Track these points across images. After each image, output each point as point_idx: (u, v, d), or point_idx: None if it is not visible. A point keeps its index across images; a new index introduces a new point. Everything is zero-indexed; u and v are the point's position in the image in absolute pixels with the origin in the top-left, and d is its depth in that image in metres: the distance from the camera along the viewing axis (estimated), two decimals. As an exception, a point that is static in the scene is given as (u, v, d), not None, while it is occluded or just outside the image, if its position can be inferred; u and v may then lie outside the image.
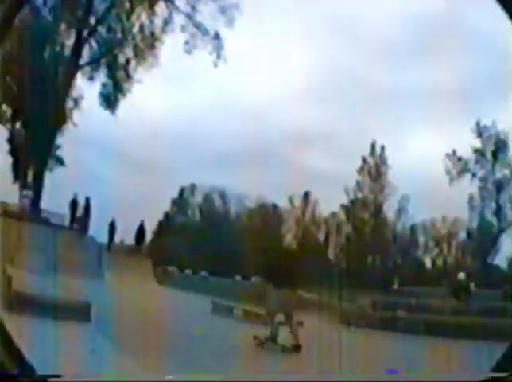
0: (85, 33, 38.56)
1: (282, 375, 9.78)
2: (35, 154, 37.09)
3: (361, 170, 51.41)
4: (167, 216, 56.13)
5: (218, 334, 19.10)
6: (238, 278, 41.22)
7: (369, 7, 40.19)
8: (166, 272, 39.98)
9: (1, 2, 4.59)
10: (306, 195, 56.46)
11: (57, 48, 38.99)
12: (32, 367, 4.51)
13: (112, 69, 39.90)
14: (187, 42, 38.90)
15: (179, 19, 39.43)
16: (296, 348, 16.75)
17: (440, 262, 56.08)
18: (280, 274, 17.55)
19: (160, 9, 39.65)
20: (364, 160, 51.19)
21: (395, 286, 39.76)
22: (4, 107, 38.37)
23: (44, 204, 36.57)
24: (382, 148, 50.81)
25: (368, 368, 12.95)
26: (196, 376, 8.11)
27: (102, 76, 40.05)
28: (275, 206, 57.76)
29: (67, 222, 35.38)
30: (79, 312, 14.42)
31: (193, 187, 59.08)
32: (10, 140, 38.25)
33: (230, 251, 50.47)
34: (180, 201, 59.41)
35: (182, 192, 59.06)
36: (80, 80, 39.49)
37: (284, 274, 17.55)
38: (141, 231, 37.26)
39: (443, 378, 5.77)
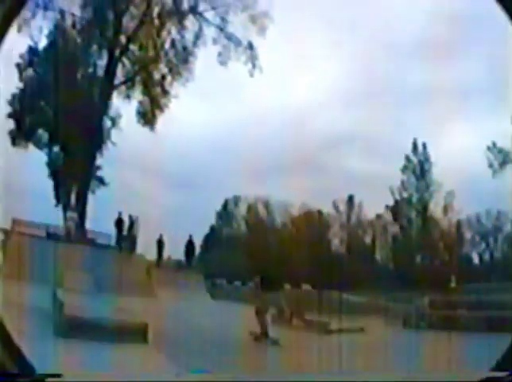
0: (117, 52, 38.59)
1: (282, 375, 9.46)
2: (76, 176, 37.06)
3: (405, 169, 50.75)
4: (213, 229, 55.99)
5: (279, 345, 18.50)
6: (286, 286, 40.55)
7: (398, 8, 39.77)
8: (215, 285, 39.56)
9: (1, 2, 4.46)
10: (350, 199, 56.02)
11: (90, 70, 39.12)
12: (33, 367, 4.49)
13: (148, 86, 39.73)
14: (220, 54, 38.79)
15: (210, 31, 39.41)
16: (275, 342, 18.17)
17: (486, 257, 55.48)
18: (266, 280, 19.20)
19: (190, 22, 39.55)
20: (407, 158, 50.55)
21: (452, 284, 38.79)
22: (40, 131, 38.36)
23: (90, 224, 36.63)
24: (424, 145, 50.24)
25: (437, 368, 12.38)
26: (196, 376, 7.85)
27: (138, 94, 40.06)
28: (320, 212, 57.50)
29: (113, 241, 35.18)
30: (136, 333, 13.95)
31: (237, 199, 58.93)
32: (49, 164, 38.24)
33: (277, 261, 50.12)
34: (225, 214, 59.36)
35: (226, 204, 58.92)
36: (117, 99, 39.61)
37: (269, 280, 19.42)
38: (190, 246, 36.91)
39: (443, 378, 5.54)
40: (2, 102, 36.81)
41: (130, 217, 35.44)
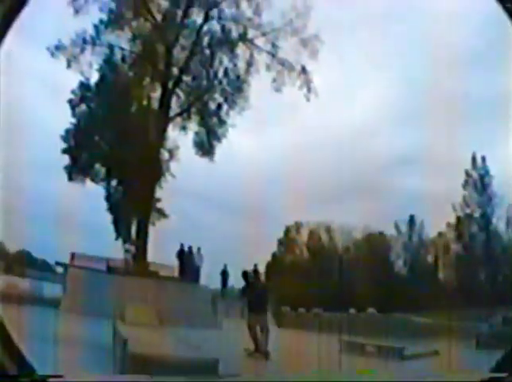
0: (170, 84, 38.58)
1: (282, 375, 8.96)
2: (135, 209, 37.05)
3: (466, 184, 49.92)
4: (275, 256, 55.74)
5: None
6: (352, 311, 39.77)
7: (448, 23, 39.10)
8: (280, 313, 38.98)
9: (1, 2, 4.48)
10: (411, 219, 55.32)
11: (144, 103, 39.21)
12: (32, 367, 4.51)
13: (204, 117, 39.72)
14: (274, 80, 38.45)
15: (262, 58, 39.15)
16: (266, 354, 18.83)
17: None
18: (254, 301, 19.85)
19: (242, 50, 39.46)
20: (467, 174, 49.75)
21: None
22: (97, 166, 38.54)
23: (151, 257, 36.47)
24: (483, 159, 49.36)
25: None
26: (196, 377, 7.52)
27: (194, 125, 40.05)
28: (381, 234, 56.93)
29: (176, 273, 34.94)
30: (207, 369, 13.39)
31: (298, 225, 58.70)
32: (108, 197, 38.33)
33: (340, 285, 49.62)
34: (287, 241, 59.06)
35: (287, 231, 58.73)
36: (173, 131, 39.61)
37: (257, 300, 19.95)
38: (255, 275, 36.28)
39: (443, 378, 5.66)
40: (56, 138, 37.74)
41: (190, 248, 35.22)
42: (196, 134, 39.63)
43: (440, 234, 55.87)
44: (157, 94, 39.21)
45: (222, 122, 39.53)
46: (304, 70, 38.32)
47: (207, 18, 39.14)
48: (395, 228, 55.47)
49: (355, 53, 39.58)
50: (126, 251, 36.24)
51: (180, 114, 39.46)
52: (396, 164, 47.48)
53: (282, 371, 15.74)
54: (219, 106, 39.68)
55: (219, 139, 39.48)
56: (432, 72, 41.21)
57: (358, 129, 42.60)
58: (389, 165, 47.33)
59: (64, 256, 34.67)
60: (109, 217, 38.14)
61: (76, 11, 36.72)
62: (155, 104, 39.18)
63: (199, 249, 34.19)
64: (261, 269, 39.34)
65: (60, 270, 38.43)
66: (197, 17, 39.55)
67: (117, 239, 37.63)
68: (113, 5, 38.44)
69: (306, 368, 15.97)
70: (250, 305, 20.41)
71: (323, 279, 50.41)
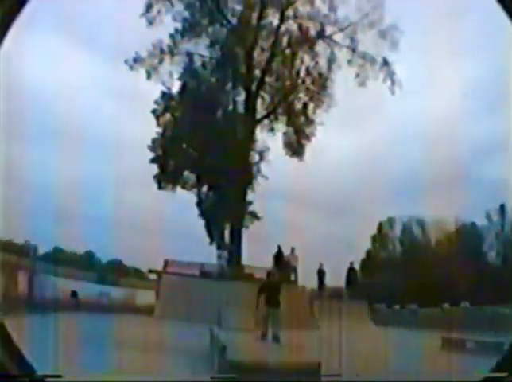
0: (253, 86, 38.60)
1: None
2: (228, 214, 37.01)
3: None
4: (369, 253, 55.25)
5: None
6: (446, 306, 38.89)
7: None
8: (374, 310, 38.33)
9: (1, 2, 4.44)
10: (502, 208, 54.04)
11: (230, 107, 39.18)
12: (32, 367, 4.54)
13: (291, 117, 39.43)
14: (357, 75, 38.11)
15: (342, 54, 38.84)
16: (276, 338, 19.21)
17: None
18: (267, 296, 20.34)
19: (321, 48, 39.14)
20: (561, 159, 48.13)
21: None
22: (186, 173, 38.67)
23: (246, 260, 36.45)
24: None
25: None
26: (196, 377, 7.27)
27: (282, 126, 39.89)
28: (473, 225, 55.86)
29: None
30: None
31: (391, 220, 58.10)
32: (199, 203, 38.41)
33: (434, 280, 48.74)
34: (380, 237, 58.47)
35: (381, 227, 58.17)
36: (261, 133, 39.62)
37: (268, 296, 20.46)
38: (352, 273, 35.91)
39: (443, 378, 6.30)
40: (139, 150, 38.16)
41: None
42: (285, 134, 39.56)
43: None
44: (241, 97, 39.31)
45: (309, 121, 39.28)
46: (385, 62, 37.95)
47: (283, 18, 39.03)
48: (486, 217, 54.29)
49: (436, 41, 38.56)
50: (220, 256, 36.21)
51: (266, 116, 39.52)
52: (483, 153, 46.31)
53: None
54: (305, 105, 39.45)
55: (307, 138, 39.25)
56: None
57: (443, 119, 41.64)
58: (477, 155, 46.23)
59: (157, 264, 34.98)
60: (201, 223, 38.21)
61: (150, 23, 37.23)
62: (240, 108, 39.24)
63: (293, 249, 33.77)
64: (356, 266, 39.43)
65: (152, 277, 38.86)
66: (273, 18, 39.54)
67: (210, 244, 37.67)
68: (187, 14, 38.76)
69: (410, 367, 15.51)
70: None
71: (416, 274, 49.58)
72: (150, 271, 36.92)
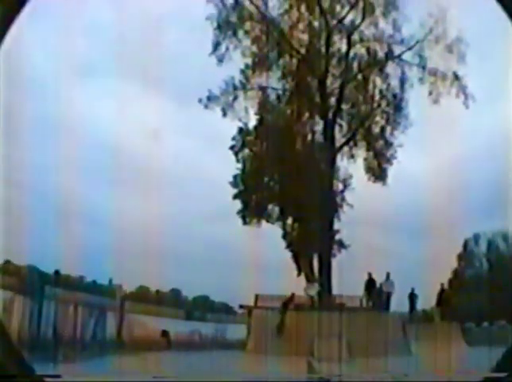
0: (330, 114, 38.66)
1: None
2: (315, 245, 37.03)
3: None
4: (456, 272, 54.52)
5: None
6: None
7: None
8: (465, 330, 37.76)
9: (1, 2, 4.42)
10: None
11: (308, 137, 39.44)
12: (32, 367, 4.51)
13: (370, 141, 39.50)
14: (430, 93, 37.90)
15: (413, 73, 38.83)
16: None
17: None
18: None
19: (392, 69, 39.16)
20: None
21: None
22: (270, 206, 38.89)
23: (336, 289, 36.33)
24: None
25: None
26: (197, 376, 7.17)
27: (362, 151, 39.94)
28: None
29: (365, 303, 34.62)
30: None
31: (476, 237, 57.34)
32: (285, 236, 38.54)
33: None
34: (466, 255, 57.74)
35: (466, 244, 57.44)
36: (341, 161, 39.62)
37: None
38: (443, 295, 35.57)
39: (443, 378, 5.72)
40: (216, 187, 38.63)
41: (370, 275, 34.73)
42: (365, 159, 39.55)
43: None
44: (318, 127, 39.55)
45: (388, 144, 39.29)
46: (456, 76, 37.69)
47: (350, 43, 39.08)
48: None
49: (502, 51, 38.17)
50: (307, 288, 36.11)
51: (346, 143, 39.50)
52: None
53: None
54: (383, 128, 39.50)
55: (388, 161, 39.25)
56: None
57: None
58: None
59: (247, 299, 35.16)
60: (288, 255, 38.31)
61: (220, 60, 37.74)
62: (319, 137, 39.46)
63: (388, 275, 33.61)
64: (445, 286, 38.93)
65: (240, 311, 39.02)
66: (340, 43, 39.76)
67: (299, 275, 37.63)
68: (255, 49, 39.14)
69: None
70: None
71: (504, 290, 48.67)
72: (241, 307, 37.09)
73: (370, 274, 33.63)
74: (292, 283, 36.58)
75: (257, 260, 37.16)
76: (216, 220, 44.25)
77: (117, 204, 39.17)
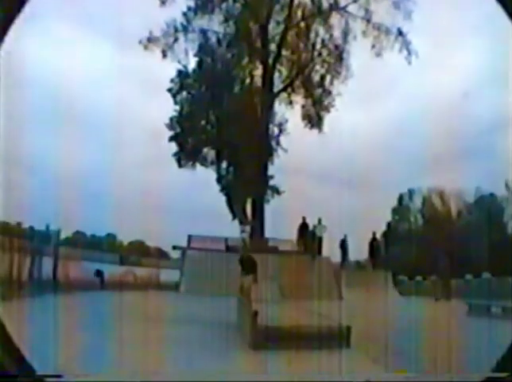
0: (270, 60, 38.42)
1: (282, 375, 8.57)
2: (249, 189, 36.90)
3: None
4: (389, 225, 55.19)
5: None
6: (468, 276, 38.83)
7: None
8: (397, 282, 38.22)
9: (1, 2, 4.44)
10: (522, 178, 53.82)
11: (246, 82, 39.13)
12: (32, 367, 4.53)
13: (308, 89, 39.24)
14: (373, 46, 37.78)
15: (357, 25, 38.50)
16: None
17: None
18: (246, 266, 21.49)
19: (336, 20, 38.80)
20: None
21: None
22: (205, 150, 38.58)
23: (269, 234, 36.59)
24: None
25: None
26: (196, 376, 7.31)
27: (300, 98, 39.78)
28: (493, 195, 55.78)
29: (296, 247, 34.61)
30: (338, 338, 13.01)
31: (411, 192, 58.09)
32: (219, 180, 38.42)
33: (455, 251, 48.67)
34: (401, 209, 58.50)
35: (401, 199, 58.21)
36: (279, 107, 39.52)
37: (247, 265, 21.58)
38: (374, 243, 35.70)
39: (443, 378, 5.75)
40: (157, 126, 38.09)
41: (304, 219, 34.69)
42: (303, 107, 39.42)
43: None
44: (258, 72, 39.23)
45: (327, 92, 39.11)
46: (400, 32, 37.54)
47: (295, -9, 38.55)
48: (506, 187, 54.18)
49: (451, 11, 38.24)
50: (243, 230, 36.10)
51: (284, 89, 39.37)
52: (500, 125, 46.07)
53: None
54: (322, 77, 39.24)
55: (326, 109, 39.15)
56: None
57: (459, 91, 41.46)
58: (493, 127, 46.01)
59: (180, 242, 34.90)
60: (222, 200, 38.18)
61: (163, 2, 37.05)
62: (257, 82, 39.20)
63: (320, 220, 33.58)
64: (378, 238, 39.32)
65: (176, 256, 38.88)
66: (285, -10, 39.10)
67: (233, 220, 37.55)
68: (199, -9, 38.36)
69: (437, 332, 15.46)
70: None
71: (437, 246, 49.47)
72: (174, 248, 36.66)
73: (304, 218, 33.52)
74: (227, 227, 36.65)
75: (192, 204, 36.99)
76: (153, 165, 43.97)
77: (54, 150, 38.61)
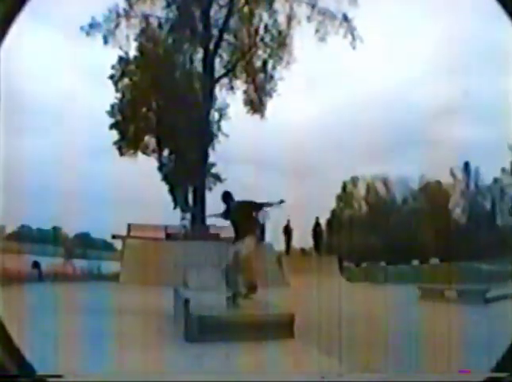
0: (211, 45, 37.86)
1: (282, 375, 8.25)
2: (190, 176, 36.48)
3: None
4: (334, 212, 55.42)
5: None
6: (415, 262, 39.16)
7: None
8: (343, 268, 38.13)
9: (1, 2, 4.41)
10: (466, 166, 54.70)
11: (187, 67, 38.59)
12: (32, 367, 4.48)
13: (250, 74, 38.93)
14: (317, 31, 37.30)
15: (302, 10, 37.90)
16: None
17: None
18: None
19: (280, 5, 38.30)
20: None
21: None
22: (146, 137, 38.08)
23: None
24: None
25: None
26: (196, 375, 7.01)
27: (241, 84, 39.45)
28: (438, 183, 56.36)
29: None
30: (281, 327, 12.35)
31: (355, 179, 58.34)
32: (161, 168, 37.94)
33: (401, 237, 49.03)
34: (345, 196, 58.78)
35: (345, 186, 58.47)
36: (220, 92, 39.12)
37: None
38: (318, 228, 35.48)
39: (443, 378, 5.53)
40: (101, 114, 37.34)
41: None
42: (245, 92, 39.08)
43: (495, 180, 55.25)
44: (199, 57, 38.66)
45: (269, 77, 38.82)
46: (345, 18, 37.14)
47: (238, -25, 38.10)
48: (451, 174, 54.91)
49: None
50: (183, 218, 35.74)
51: (225, 74, 38.92)
52: (444, 113, 46.44)
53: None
54: (265, 62, 38.90)
55: (269, 94, 38.92)
56: (478, 22, 40.03)
57: (407, 77, 41.57)
58: (439, 115, 46.32)
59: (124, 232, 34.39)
60: (165, 188, 37.76)
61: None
62: (199, 67, 38.66)
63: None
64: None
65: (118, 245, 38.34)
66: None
67: (175, 208, 37.29)
68: (141, -24, 37.65)
69: (391, 318, 15.29)
70: None
71: (383, 232, 49.74)
72: (114, 237, 36.08)
73: (245, 204, 33.16)
74: (170, 216, 36.21)
75: (134, 193, 36.39)
76: (98, 154, 43.31)
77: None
